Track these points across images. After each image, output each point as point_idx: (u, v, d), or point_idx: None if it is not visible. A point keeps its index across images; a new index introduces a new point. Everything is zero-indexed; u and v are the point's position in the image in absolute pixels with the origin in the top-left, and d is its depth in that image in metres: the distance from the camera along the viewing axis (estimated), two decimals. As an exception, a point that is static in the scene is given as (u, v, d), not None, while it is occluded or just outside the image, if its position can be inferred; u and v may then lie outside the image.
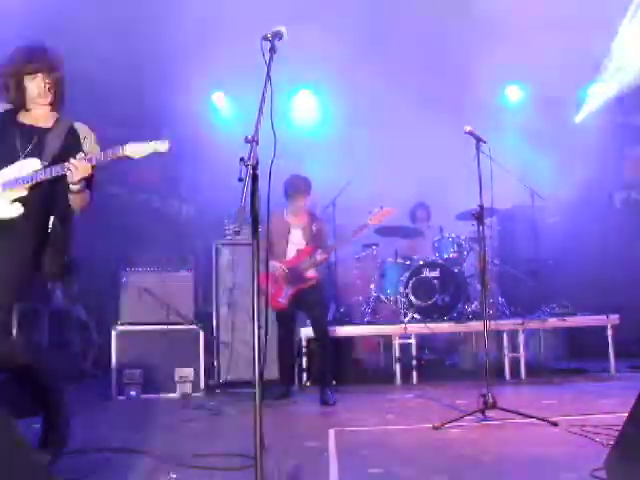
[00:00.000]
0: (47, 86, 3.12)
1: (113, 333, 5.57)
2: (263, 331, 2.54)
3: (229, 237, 6.05)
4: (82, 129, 3.23)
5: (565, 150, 7.51)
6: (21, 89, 3.10)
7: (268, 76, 2.66)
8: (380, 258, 6.82)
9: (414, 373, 5.93)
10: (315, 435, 3.79)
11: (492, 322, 6.05)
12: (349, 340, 6.46)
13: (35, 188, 3.02)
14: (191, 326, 5.73)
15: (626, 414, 2.47)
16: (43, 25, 5.58)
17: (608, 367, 5.88)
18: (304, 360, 5.88)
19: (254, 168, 2.48)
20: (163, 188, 7.58)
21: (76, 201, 3.09)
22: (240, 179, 2.42)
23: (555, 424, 3.74)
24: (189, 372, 5.59)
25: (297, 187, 5.20)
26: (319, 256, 5.19)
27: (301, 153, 7.05)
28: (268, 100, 2.61)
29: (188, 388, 5.57)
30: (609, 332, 5.88)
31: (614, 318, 5.95)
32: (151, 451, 3.42)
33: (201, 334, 5.71)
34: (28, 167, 3.02)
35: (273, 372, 5.33)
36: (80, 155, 2.99)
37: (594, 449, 3.11)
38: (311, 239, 5.30)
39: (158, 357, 5.52)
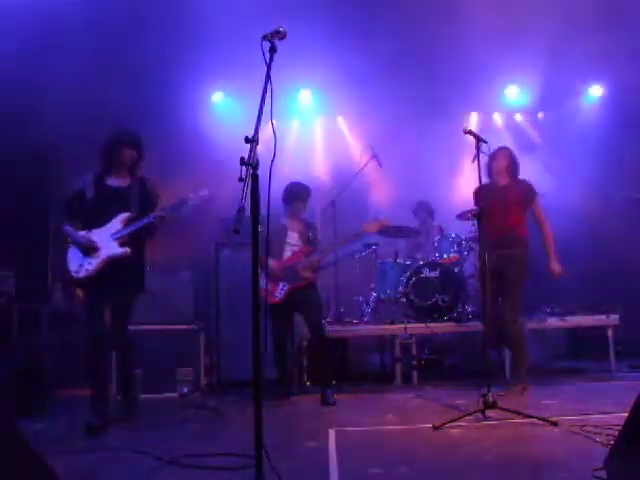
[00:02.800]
0: (132, 157, 4.45)
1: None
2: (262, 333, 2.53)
3: (229, 237, 6.04)
4: (148, 182, 4.54)
5: (565, 150, 7.52)
6: (115, 159, 4.42)
7: (268, 76, 2.67)
8: (380, 258, 6.83)
9: (414, 373, 5.93)
10: (315, 435, 3.79)
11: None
12: (349, 340, 6.46)
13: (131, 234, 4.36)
14: (191, 326, 5.75)
15: (626, 414, 2.47)
16: (43, 26, 5.61)
17: (608, 367, 5.88)
18: (304, 360, 5.88)
19: (254, 168, 2.49)
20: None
21: (154, 234, 4.52)
22: (240, 179, 2.43)
23: (555, 424, 3.74)
24: (189, 372, 5.60)
25: (297, 193, 5.35)
26: (315, 257, 5.26)
27: (301, 154, 7.06)
28: (268, 100, 2.61)
29: (188, 388, 5.57)
30: (609, 332, 5.88)
31: (614, 318, 5.95)
32: (151, 451, 3.41)
33: (201, 334, 5.73)
34: (124, 219, 4.35)
35: (273, 372, 5.32)
36: (163, 209, 4.37)
37: (594, 449, 3.11)
38: (308, 242, 5.37)
39: (158, 357, 5.52)
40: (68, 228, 4.39)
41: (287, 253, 5.34)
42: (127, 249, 4.29)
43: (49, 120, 6.10)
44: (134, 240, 4.35)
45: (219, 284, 5.92)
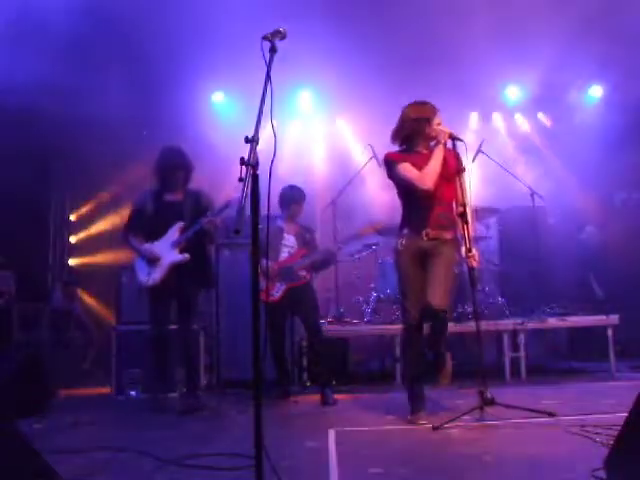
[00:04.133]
0: (182, 176, 4.97)
1: (113, 333, 5.58)
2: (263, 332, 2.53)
3: (229, 237, 6.04)
4: (200, 195, 5.02)
5: (564, 150, 7.53)
6: (169, 179, 4.95)
7: (268, 76, 2.67)
8: (380, 258, 6.83)
9: (414, 373, 5.92)
10: (315, 435, 3.79)
11: (492, 322, 6.10)
12: (349, 340, 6.46)
13: (188, 240, 4.83)
14: (191, 326, 5.73)
15: (626, 414, 2.46)
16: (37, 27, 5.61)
17: (608, 367, 5.88)
18: (304, 360, 5.88)
19: (254, 168, 2.49)
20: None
21: (212, 238, 5.07)
22: (240, 179, 2.43)
23: (553, 414, 3.74)
24: (189, 372, 5.59)
25: (293, 197, 5.41)
26: (311, 258, 5.31)
27: (301, 154, 7.06)
28: (268, 100, 2.61)
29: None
30: (609, 332, 5.87)
31: (614, 318, 5.95)
32: (150, 451, 3.41)
33: (201, 333, 5.72)
34: (180, 228, 4.84)
35: (273, 372, 5.33)
36: (210, 215, 4.77)
37: (594, 449, 3.10)
38: (304, 244, 5.40)
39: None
40: (133, 241, 4.95)
41: (284, 255, 5.37)
42: (186, 255, 4.80)
43: (50, 121, 6.11)
44: (193, 245, 4.84)
45: (219, 284, 5.92)
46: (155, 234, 4.88)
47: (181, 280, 4.81)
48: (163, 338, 4.89)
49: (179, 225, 4.87)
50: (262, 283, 5.10)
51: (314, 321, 5.26)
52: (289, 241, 5.41)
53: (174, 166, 4.95)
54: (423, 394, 4.15)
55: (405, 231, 4.10)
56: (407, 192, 4.11)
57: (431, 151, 4.04)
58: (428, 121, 4.04)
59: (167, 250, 4.82)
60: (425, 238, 4.01)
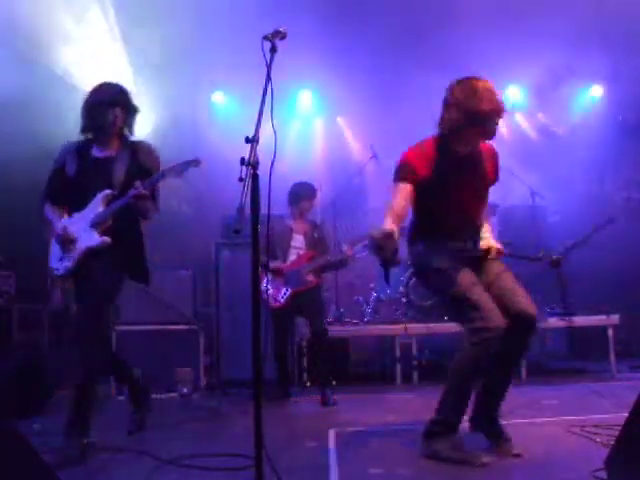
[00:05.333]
0: (117, 117, 3.68)
1: (113, 333, 5.57)
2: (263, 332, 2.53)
3: (229, 237, 6.06)
4: (141, 147, 3.77)
5: (565, 149, 7.52)
6: (95, 119, 3.66)
7: (268, 76, 2.67)
8: (380, 258, 6.81)
9: (415, 373, 5.93)
10: (315, 435, 3.80)
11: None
12: (349, 340, 6.46)
13: (114, 216, 3.62)
14: (191, 326, 5.75)
15: (627, 414, 2.46)
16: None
17: (609, 367, 5.86)
18: (304, 360, 5.88)
19: (254, 168, 2.49)
20: (162, 188, 7.57)
21: (145, 214, 3.76)
22: (241, 179, 2.43)
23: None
24: (189, 372, 5.61)
25: (303, 193, 5.35)
26: (318, 261, 5.28)
27: (301, 154, 7.06)
28: (268, 100, 2.61)
29: (188, 388, 5.58)
30: (610, 332, 5.86)
31: (614, 318, 5.94)
32: (151, 451, 3.41)
33: (201, 334, 5.73)
34: (105, 199, 3.62)
35: (273, 372, 5.33)
36: (138, 185, 3.51)
37: (595, 449, 3.11)
38: (312, 245, 5.36)
39: (158, 357, 5.53)
40: (49, 212, 3.77)
41: (292, 256, 5.34)
42: (106, 239, 3.59)
43: (48, 119, 6.09)
44: (121, 224, 3.66)
45: (219, 284, 5.93)
46: (76, 204, 3.68)
47: (102, 272, 3.61)
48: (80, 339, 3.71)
49: (105, 194, 3.60)
50: (268, 288, 5.11)
51: (320, 325, 5.22)
52: (298, 242, 5.37)
53: (103, 102, 3.64)
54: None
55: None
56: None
57: (475, 151, 3.26)
58: (499, 116, 3.12)
59: (84, 230, 3.62)
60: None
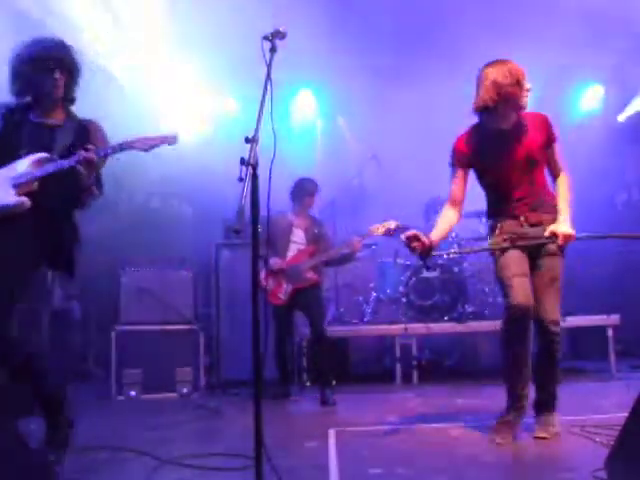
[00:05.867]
0: (61, 81, 3.16)
1: (113, 333, 5.59)
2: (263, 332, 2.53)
3: (229, 237, 6.06)
4: (92, 126, 3.27)
5: (565, 151, 7.51)
6: (35, 82, 3.13)
7: (268, 76, 2.67)
8: (380, 258, 6.83)
9: (414, 373, 5.93)
10: (315, 435, 3.80)
11: (492, 322, 6.09)
12: (349, 340, 6.46)
13: (44, 183, 3.04)
14: (191, 326, 5.75)
15: (626, 414, 2.47)
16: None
17: (608, 367, 5.86)
18: (304, 360, 5.89)
19: (254, 168, 2.49)
20: (163, 188, 7.59)
21: (85, 195, 3.16)
22: (240, 179, 2.43)
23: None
24: (189, 372, 5.62)
25: (306, 189, 5.37)
26: (319, 257, 5.27)
27: (301, 153, 7.07)
28: (268, 100, 2.62)
29: (188, 388, 5.58)
30: (609, 332, 5.85)
31: (614, 318, 5.93)
32: (151, 451, 3.41)
33: (201, 334, 5.74)
34: (36, 160, 3.05)
35: (273, 372, 5.33)
36: (91, 147, 3.01)
37: (594, 449, 3.11)
38: (313, 241, 5.35)
39: (158, 357, 5.54)
40: None
41: (291, 252, 5.35)
42: (24, 199, 2.99)
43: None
44: (49, 197, 3.06)
45: (219, 284, 5.94)
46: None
47: (15, 246, 3.02)
48: None
49: (39, 156, 3.06)
50: (269, 284, 5.13)
51: (319, 322, 5.23)
52: (298, 237, 5.38)
53: (49, 58, 3.11)
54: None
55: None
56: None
57: (515, 124, 3.43)
58: (519, 84, 3.35)
59: (1, 185, 3.01)
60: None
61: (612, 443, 2.55)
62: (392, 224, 5.25)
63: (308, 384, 5.81)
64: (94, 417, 4.75)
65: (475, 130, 3.54)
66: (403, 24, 6.44)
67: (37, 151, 3.07)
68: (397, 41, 6.57)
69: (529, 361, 3.41)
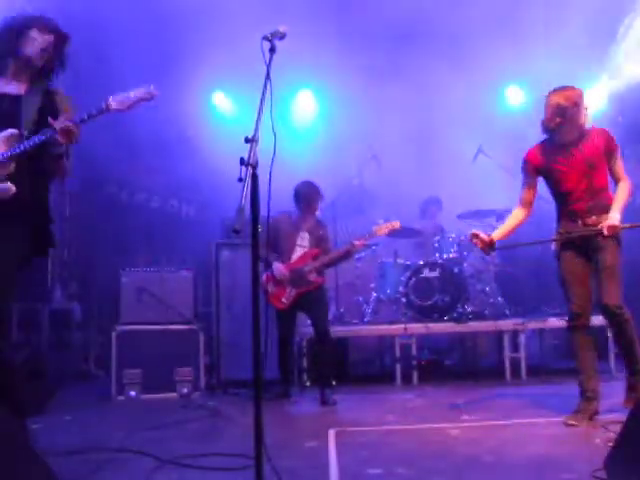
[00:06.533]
0: (44, 47, 3.03)
1: (113, 333, 5.58)
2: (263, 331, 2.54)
3: (229, 237, 6.06)
4: (58, 92, 3.12)
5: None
6: (17, 43, 2.98)
7: (268, 76, 2.68)
8: (380, 258, 6.84)
9: (414, 373, 5.93)
10: (315, 435, 3.81)
11: (492, 322, 6.11)
12: (349, 340, 6.48)
13: (20, 161, 2.88)
14: (191, 326, 5.75)
15: (626, 414, 2.50)
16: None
17: (608, 367, 5.87)
18: (304, 360, 5.89)
19: (254, 168, 2.49)
20: (163, 188, 7.60)
21: (60, 168, 3.04)
22: (240, 179, 2.44)
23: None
24: (189, 372, 5.61)
25: (310, 193, 5.33)
26: (322, 259, 5.27)
27: (301, 153, 7.07)
28: (268, 100, 2.62)
29: (188, 388, 5.58)
30: (609, 332, 5.84)
31: (615, 319, 5.94)
32: (151, 451, 3.42)
33: (201, 334, 5.73)
34: (8, 137, 2.87)
35: (273, 372, 5.34)
36: (67, 116, 2.88)
37: (594, 449, 3.12)
38: (316, 243, 5.37)
39: (158, 357, 5.53)
40: None
41: (296, 254, 5.34)
42: (9, 185, 2.83)
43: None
44: (25, 173, 2.91)
45: (219, 284, 5.93)
46: None
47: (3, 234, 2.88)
48: None
49: (10, 132, 2.87)
50: (272, 287, 5.13)
51: (323, 323, 5.22)
52: (303, 240, 5.37)
53: (29, 24, 3.01)
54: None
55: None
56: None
57: (578, 139, 3.96)
58: (577, 106, 3.94)
59: None
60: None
61: (612, 443, 2.57)
62: (397, 224, 5.31)
63: (308, 384, 5.81)
64: (94, 417, 4.78)
65: (544, 144, 4.12)
66: (403, 25, 6.45)
67: (4, 126, 2.88)
68: (397, 42, 6.60)
69: (589, 358, 4.00)
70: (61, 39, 3.10)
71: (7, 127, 2.89)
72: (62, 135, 2.84)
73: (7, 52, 3.02)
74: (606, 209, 3.86)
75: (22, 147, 2.85)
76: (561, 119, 3.92)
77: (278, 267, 5.19)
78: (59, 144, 2.88)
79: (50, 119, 2.85)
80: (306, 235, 5.38)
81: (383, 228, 5.26)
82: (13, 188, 2.84)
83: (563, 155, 3.99)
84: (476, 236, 4.03)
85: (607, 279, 3.82)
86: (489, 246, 4.07)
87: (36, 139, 2.85)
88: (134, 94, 2.96)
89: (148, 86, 2.99)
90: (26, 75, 3.06)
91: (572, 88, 4.00)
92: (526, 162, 4.18)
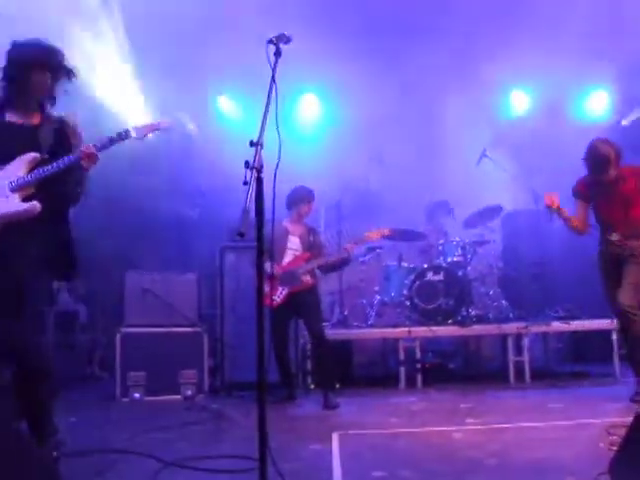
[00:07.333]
0: (49, 82, 3.17)
1: (117, 335, 5.61)
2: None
3: (234, 240, 6.08)
4: (68, 124, 3.27)
5: (569, 154, 7.51)
6: (25, 83, 3.12)
7: (273, 80, 2.70)
8: (384, 261, 6.86)
9: (418, 376, 5.93)
10: (319, 438, 3.82)
11: (496, 326, 6.11)
12: (353, 343, 6.48)
13: (40, 184, 3.03)
14: (195, 328, 5.78)
15: (631, 418, 2.49)
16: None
17: (613, 371, 5.88)
18: (308, 363, 5.90)
19: (259, 171, 2.51)
20: (168, 191, 7.63)
21: (79, 193, 3.19)
22: (245, 182, 2.45)
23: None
24: (193, 374, 5.63)
25: (302, 196, 5.43)
26: (315, 262, 5.32)
27: (305, 157, 7.09)
28: (273, 104, 2.63)
29: (192, 390, 5.59)
30: (614, 336, 5.85)
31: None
32: (155, 453, 3.43)
33: (205, 336, 5.76)
34: (29, 161, 3.03)
35: (277, 375, 5.35)
36: (85, 147, 3.07)
37: (598, 453, 3.11)
38: (308, 247, 5.43)
39: (162, 359, 5.56)
40: None
41: (287, 257, 5.40)
42: (35, 204, 2.94)
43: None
44: (47, 196, 3.03)
45: (223, 287, 5.95)
46: None
47: (17, 252, 2.98)
48: None
49: (31, 156, 3.04)
50: (265, 287, 5.15)
51: (316, 326, 5.27)
52: (294, 244, 5.44)
53: (35, 64, 3.11)
54: None
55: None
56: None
57: (615, 177, 4.62)
58: (609, 162, 4.59)
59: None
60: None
61: (616, 448, 2.57)
62: (386, 231, 5.40)
63: (312, 387, 5.82)
64: (98, 419, 4.79)
65: (589, 178, 4.79)
66: (407, 29, 6.47)
67: (24, 152, 3.04)
68: (401, 45, 6.60)
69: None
70: (59, 74, 3.22)
71: (24, 153, 3.03)
72: (86, 158, 3.04)
73: (14, 89, 3.16)
74: None
75: (49, 169, 3.01)
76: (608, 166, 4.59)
77: (267, 264, 5.24)
78: (81, 169, 3.08)
79: (83, 147, 3.06)
80: (297, 240, 5.45)
81: (374, 234, 5.36)
82: (38, 207, 2.95)
83: (603, 192, 4.72)
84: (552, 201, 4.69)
85: (626, 287, 4.62)
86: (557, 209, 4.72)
87: (66, 160, 3.02)
88: (149, 125, 3.23)
89: (164, 119, 3.31)
90: (34, 107, 3.22)
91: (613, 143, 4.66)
92: (576, 190, 4.93)
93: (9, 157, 3.03)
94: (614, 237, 4.70)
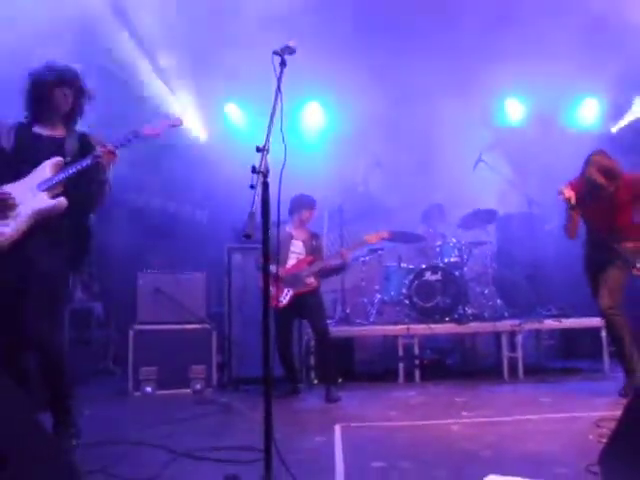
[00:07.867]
0: (70, 97, 3.51)
1: (130, 332, 5.70)
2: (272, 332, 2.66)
3: (240, 242, 6.16)
4: (90, 136, 3.59)
5: (562, 159, 7.61)
6: (48, 99, 3.45)
7: (279, 89, 2.84)
8: (385, 262, 6.97)
9: (417, 372, 6.01)
10: (322, 430, 3.89)
11: (491, 324, 6.23)
12: (355, 340, 6.56)
13: (66, 186, 3.34)
14: (204, 325, 5.87)
15: (619, 412, 2.56)
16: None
17: (602, 367, 5.97)
18: (311, 359, 6.00)
19: (265, 176, 2.66)
20: (178, 194, 7.73)
21: (103, 194, 3.50)
22: (252, 186, 2.58)
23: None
24: (202, 369, 5.74)
25: (303, 203, 5.56)
26: (318, 264, 5.45)
27: (309, 162, 7.19)
28: (278, 111, 2.79)
29: (201, 385, 5.71)
30: (603, 333, 5.94)
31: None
32: (165, 444, 3.51)
33: (213, 333, 5.85)
34: (54, 165, 3.34)
35: (282, 370, 5.46)
36: (101, 147, 3.35)
37: (588, 445, 3.19)
38: (311, 252, 5.56)
39: (173, 355, 5.65)
40: None
41: (291, 261, 5.51)
42: (62, 199, 3.27)
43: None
44: (73, 195, 3.35)
45: (231, 286, 6.03)
46: (14, 175, 3.32)
47: (40, 246, 3.24)
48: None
49: (54, 161, 3.35)
50: (271, 289, 5.27)
51: (321, 325, 5.38)
52: (297, 247, 5.55)
53: (55, 82, 3.42)
54: None
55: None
56: None
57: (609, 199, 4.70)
58: (605, 188, 4.65)
59: (29, 192, 3.25)
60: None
61: (606, 440, 2.62)
62: (385, 233, 5.53)
63: (315, 382, 5.91)
64: (112, 412, 4.91)
65: (580, 179, 4.82)
66: (406, 37, 6.53)
67: (50, 157, 3.36)
68: (400, 54, 6.65)
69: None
70: (82, 94, 3.57)
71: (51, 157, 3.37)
72: (106, 156, 3.33)
73: (40, 106, 3.48)
74: (624, 240, 4.77)
75: (72, 169, 3.32)
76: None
77: (272, 267, 5.37)
78: (103, 169, 3.38)
79: (97, 147, 3.36)
80: (300, 244, 5.56)
81: (373, 237, 5.47)
82: (65, 202, 3.30)
83: (591, 198, 4.75)
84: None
85: (603, 286, 4.84)
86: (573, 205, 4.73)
87: (88, 159, 3.33)
88: (163, 123, 3.60)
89: (173, 116, 3.49)
90: (59, 121, 3.54)
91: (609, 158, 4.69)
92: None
93: (37, 163, 3.35)
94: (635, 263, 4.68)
